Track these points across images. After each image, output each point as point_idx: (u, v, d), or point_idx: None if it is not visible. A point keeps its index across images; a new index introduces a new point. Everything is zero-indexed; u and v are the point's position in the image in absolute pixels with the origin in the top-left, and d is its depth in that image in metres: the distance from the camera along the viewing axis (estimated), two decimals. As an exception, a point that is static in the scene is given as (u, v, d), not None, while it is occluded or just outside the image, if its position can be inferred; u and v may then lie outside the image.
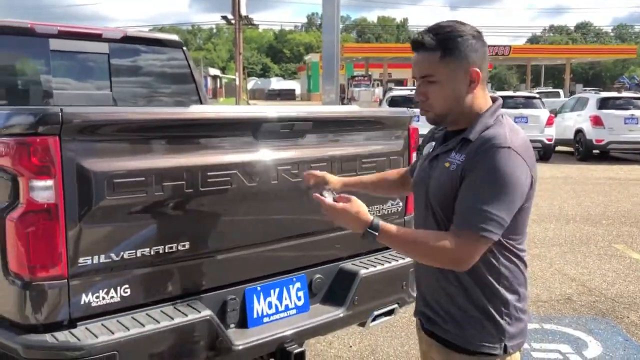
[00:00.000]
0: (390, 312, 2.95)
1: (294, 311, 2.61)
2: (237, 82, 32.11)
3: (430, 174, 1.74)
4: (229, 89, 52.68)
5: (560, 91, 31.45)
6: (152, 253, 2.15)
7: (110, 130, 2.06)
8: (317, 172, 2.23)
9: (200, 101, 4.42)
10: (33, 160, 1.89)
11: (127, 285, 2.12)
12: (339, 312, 2.68)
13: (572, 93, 27.84)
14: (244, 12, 30.33)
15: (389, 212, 2.98)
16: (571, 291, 5.16)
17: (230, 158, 2.35)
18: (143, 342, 2.04)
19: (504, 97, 16.03)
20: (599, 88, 34.33)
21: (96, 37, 3.97)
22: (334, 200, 1.73)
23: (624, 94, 16.33)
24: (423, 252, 1.64)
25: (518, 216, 1.62)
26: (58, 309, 1.98)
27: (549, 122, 14.51)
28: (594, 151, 15.00)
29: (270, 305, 2.54)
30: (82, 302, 2.02)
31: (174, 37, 4.48)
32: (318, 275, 2.73)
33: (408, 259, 2.96)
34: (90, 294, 2.04)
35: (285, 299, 2.59)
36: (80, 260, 2.00)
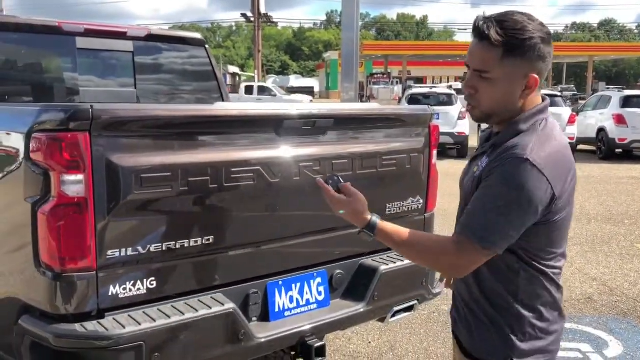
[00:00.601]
0: (409, 309, 2.97)
1: (315, 306, 2.65)
2: (256, 80, 32.25)
3: (466, 176, 1.70)
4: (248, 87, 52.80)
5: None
6: (178, 246, 2.20)
7: (138, 127, 2.12)
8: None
9: (222, 98, 4.48)
10: (64, 155, 1.95)
11: (153, 278, 2.17)
12: (359, 308, 2.71)
13: (594, 91, 27.44)
14: (263, 10, 30.48)
15: (410, 209, 3.00)
16: (592, 291, 5.12)
17: (253, 154, 2.39)
18: (168, 333, 2.10)
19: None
20: (623, 86, 33.78)
21: (121, 36, 4.05)
22: (338, 188, 1.69)
23: (648, 92, 16.07)
24: (421, 256, 1.61)
25: (540, 232, 1.51)
26: (87, 299, 2.05)
27: (571, 121, 14.35)
28: (617, 150, 14.78)
29: (291, 300, 2.58)
30: (110, 294, 2.08)
31: (197, 35, 4.54)
32: (339, 271, 2.76)
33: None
34: (117, 286, 2.10)
35: (307, 294, 2.63)
36: (109, 252, 2.06)
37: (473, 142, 15.88)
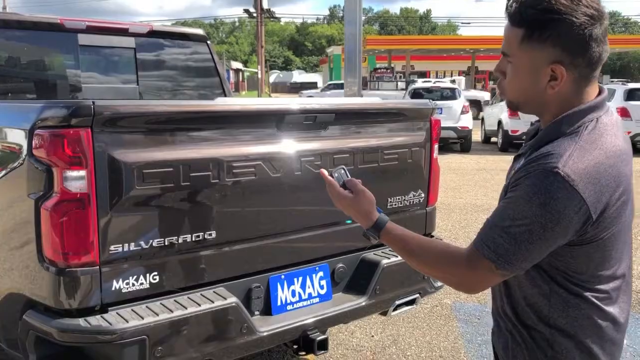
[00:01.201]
0: (411, 302, 2.99)
1: (317, 299, 2.66)
2: (259, 76, 32.25)
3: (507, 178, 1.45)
4: (251, 83, 52.94)
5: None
6: (180, 241, 2.22)
7: (140, 123, 2.13)
8: None
9: (224, 94, 4.49)
10: (67, 152, 1.96)
11: (155, 273, 2.19)
12: (361, 301, 2.73)
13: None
14: (265, 6, 30.45)
15: (411, 202, 3.01)
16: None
17: (255, 149, 2.40)
18: (171, 328, 2.12)
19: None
20: (627, 79, 33.64)
21: (123, 32, 4.06)
22: (343, 183, 1.55)
23: (653, 84, 16.00)
24: (428, 267, 1.42)
25: (575, 253, 1.29)
26: (90, 294, 2.07)
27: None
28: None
29: (293, 294, 2.59)
30: (113, 288, 2.10)
31: (199, 31, 4.55)
32: (340, 265, 2.78)
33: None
34: (120, 281, 2.12)
35: (309, 288, 2.65)
36: (111, 247, 2.08)
37: (476, 136, 15.88)
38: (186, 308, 2.17)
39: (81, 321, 2.03)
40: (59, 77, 4.03)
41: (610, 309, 1.34)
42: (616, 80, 29.70)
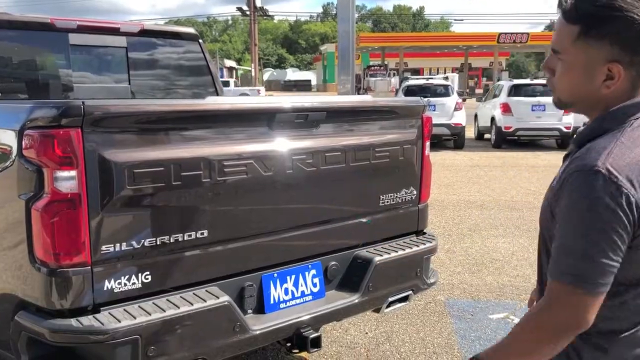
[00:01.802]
0: (404, 299, 3.00)
1: (310, 297, 2.67)
2: (253, 74, 32.21)
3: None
4: (244, 81, 52.84)
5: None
6: (172, 241, 2.22)
7: (130, 122, 2.13)
8: None
9: (216, 93, 4.48)
10: (57, 152, 1.96)
11: (148, 272, 2.19)
12: (354, 298, 2.73)
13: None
14: (259, 4, 30.42)
15: (403, 200, 3.01)
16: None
17: (246, 148, 2.41)
18: (164, 327, 2.12)
19: (521, 85, 15.51)
20: None
21: (114, 31, 4.05)
22: None
23: None
24: (536, 341, 1.21)
25: (632, 258, 1.19)
26: (82, 294, 2.06)
27: (567, 111, 14.31)
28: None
29: (286, 292, 2.60)
30: (105, 288, 2.10)
31: (191, 29, 4.55)
32: (333, 262, 2.79)
33: (422, 247, 3.01)
34: (112, 281, 2.11)
35: (301, 286, 2.65)
36: (103, 247, 2.08)
37: (470, 133, 15.91)
38: (179, 307, 2.17)
39: (73, 321, 2.03)
40: (51, 77, 4.02)
41: None
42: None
